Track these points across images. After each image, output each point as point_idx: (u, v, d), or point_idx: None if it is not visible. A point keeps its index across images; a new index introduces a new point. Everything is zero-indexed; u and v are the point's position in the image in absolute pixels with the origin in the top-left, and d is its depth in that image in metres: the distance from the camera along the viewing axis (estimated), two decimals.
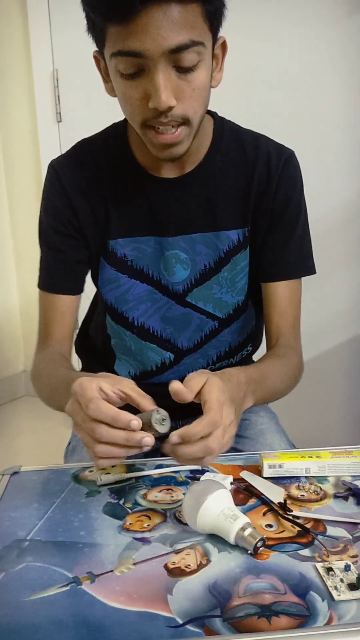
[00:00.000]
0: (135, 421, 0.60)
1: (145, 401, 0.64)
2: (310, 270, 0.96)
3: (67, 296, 0.93)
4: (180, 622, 0.51)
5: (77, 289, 0.95)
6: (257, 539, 0.60)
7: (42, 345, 0.94)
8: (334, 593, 0.54)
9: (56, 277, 0.93)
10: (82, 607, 0.53)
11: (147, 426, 0.61)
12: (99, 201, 0.90)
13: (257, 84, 1.80)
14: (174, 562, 0.59)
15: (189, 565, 0.59)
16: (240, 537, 0.60)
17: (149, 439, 0.60)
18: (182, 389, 0.63)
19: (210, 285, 0.93)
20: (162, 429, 0.62)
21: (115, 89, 0.78)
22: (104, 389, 0.63)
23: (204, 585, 0.56)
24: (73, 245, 0.92)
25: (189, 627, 0.51)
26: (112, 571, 0.58)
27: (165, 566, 0.59)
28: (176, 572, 0.58)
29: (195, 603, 0.53)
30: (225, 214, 0.91)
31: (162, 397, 0.66)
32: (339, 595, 0.54)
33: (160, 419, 0.62)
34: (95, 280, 0.97)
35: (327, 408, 1.97)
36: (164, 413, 0.63)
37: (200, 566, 0.59)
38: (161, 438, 0.63)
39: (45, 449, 2.14)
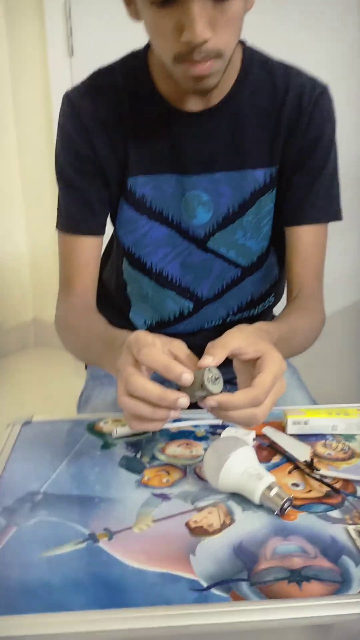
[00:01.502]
0: (187, 374, 0.55)
1: (194, 363, 0.59)
2: (337, 215, 0.90)
3: (88, 237, 0.88)
4: (205, 585, 0.48)
5: (98, 230, 0.89)
6: (285, 499, 0.56)
7: (66, 294, 0.89)
8: None
9: (76, 218, 0.87)
10: (99, 566, 0.50)
11: (198, 386, 0.56)
12: (118, 135, 0.84)
13: None
14: (195, 521, 0.56)
15: (212, 524, 0.56)
16: (266, 497, 0.57)
17: (184, 400, 0.55)
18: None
19: (234, 229, 0.87)
20: (216, 388, 0.57)
21: (144, 18, 0.71)
22: (156, 344, 0.59)
23: (229, 547, 0.53)
24: (92, 183, 0.86)
25: (214, 590, 0.48)
26: (130, 528, 0.55)
27: (187, 524, 0.56)
28: (198, 532, 0.55)
29: (219, 565, 0.50)
30: (252, 151, 0.84)
31: None
32: None
33: (213, 378, 0.57)
34: (114, 222, 0.91)
35: (341, 366, 1.93)
36: (216, 372, 0.58)
37: (223, 526, 0.56)
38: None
39: (56, 399, 2.12)
